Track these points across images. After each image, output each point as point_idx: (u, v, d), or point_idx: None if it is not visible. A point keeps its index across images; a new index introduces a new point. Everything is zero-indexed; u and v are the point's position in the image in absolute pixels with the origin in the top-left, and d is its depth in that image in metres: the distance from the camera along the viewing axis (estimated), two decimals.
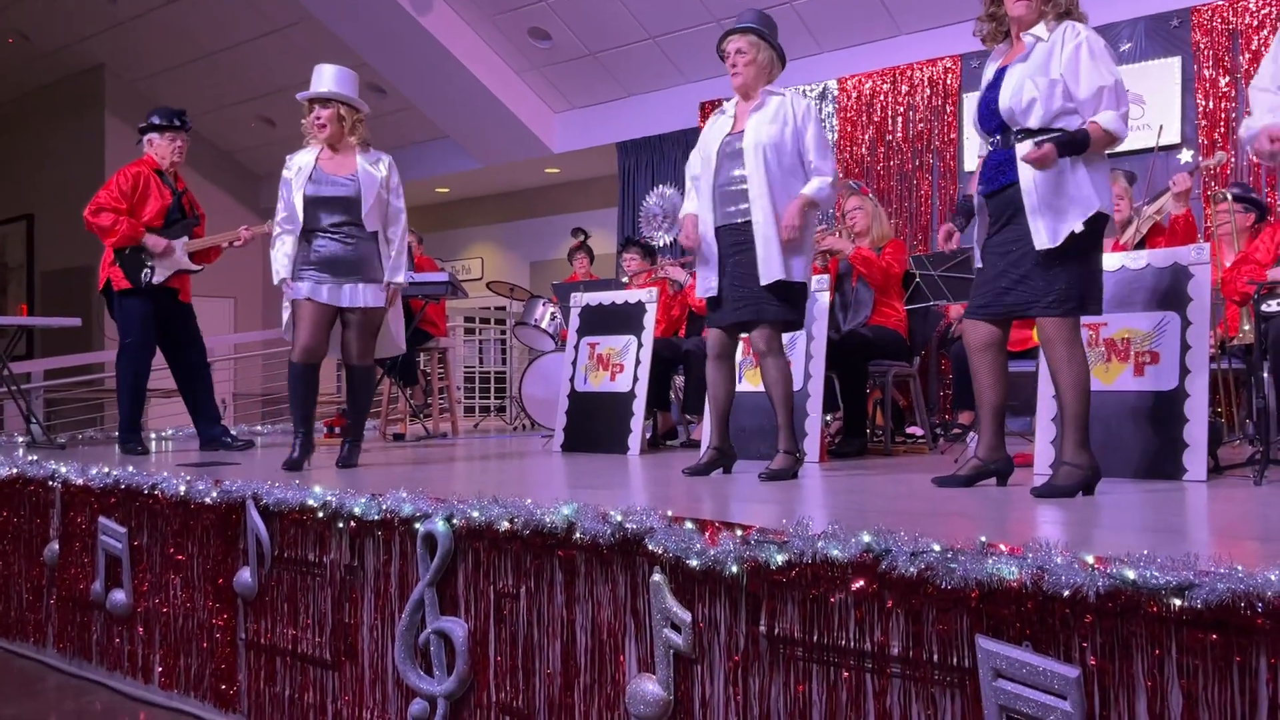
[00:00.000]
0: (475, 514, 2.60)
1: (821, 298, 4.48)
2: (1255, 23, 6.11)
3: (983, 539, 1.88)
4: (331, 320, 4.17)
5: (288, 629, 3.11)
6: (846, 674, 2.00)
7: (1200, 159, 5.94)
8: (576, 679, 2.44)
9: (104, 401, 9.44)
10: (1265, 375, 3.54)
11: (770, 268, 3.53)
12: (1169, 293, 3.46)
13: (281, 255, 4.15)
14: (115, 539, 3.64)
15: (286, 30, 9.78)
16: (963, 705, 1.86)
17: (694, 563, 2.15)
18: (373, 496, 2.86)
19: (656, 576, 2.25)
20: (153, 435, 6.32)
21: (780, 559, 2.04)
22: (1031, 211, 2.93)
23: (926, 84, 7.38)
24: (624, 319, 5.06)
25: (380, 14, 8.61)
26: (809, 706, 2.05)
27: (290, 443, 4.15)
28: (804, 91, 7.69)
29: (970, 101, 7.05)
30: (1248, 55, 6.12)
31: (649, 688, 2.26)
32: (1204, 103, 6.24)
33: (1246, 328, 4.00)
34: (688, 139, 8.88)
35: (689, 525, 2.22)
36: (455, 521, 2.65)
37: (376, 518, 2.81)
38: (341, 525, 2.93)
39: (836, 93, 7.80)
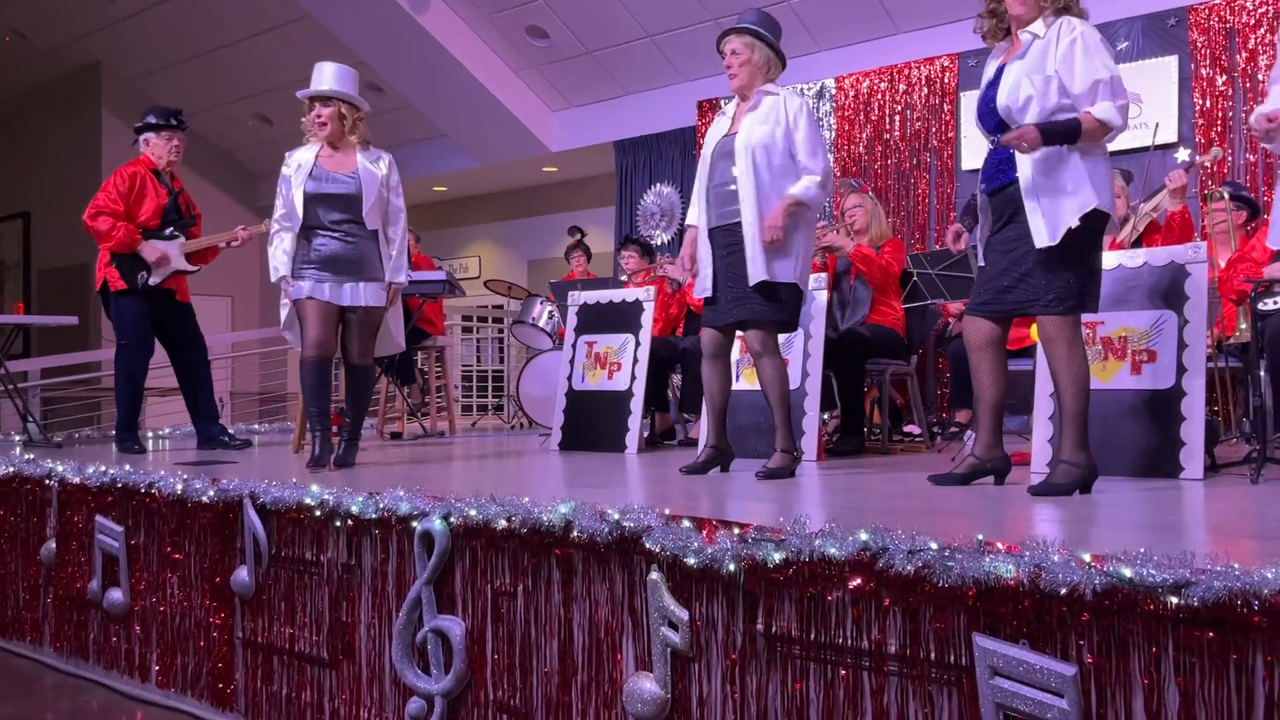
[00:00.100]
0: (473, 512, 2.60)
1: (819, 296, 4.48)
2: (1252, 21, 6.11)
3: (980, 537, 1.88)
4: (337, 316, 4.15)
5: (285, 628, 3.10)
6: (844, 672, 2.00)
7: (1197, 156, 5.95)
8: (574, 677, 2.44)
9: (101, 400, 9.43)
10: (1262, 374, 3.54)
11: (756, 269, 3.52)
12: (1166, 291, 3.46)
13: (280, 253, 4.12)
14: (112, 538, 3.64)
15: (284, 28, 9.77)
16: (960, 703, 1.86)
17: (691, 561, 2.15)
18: (370, 495, 2.86)
19: (654, 575, 2.25)
20: (150, 434, 6.31)
21: (777, 557, 2.04)
22: (1030, 208, 2.93)
23: (924, 83, 7.37)
24: (621, 318, 5.06)
25: (378, 12, 8.60)
26: (806, 705, 2.05)
27: (289, 441, 4.14)
28: (802, 90, 7.68)
29: (967, 100, 7.10)
30: (1245, 54, 6.12)
31: (646, 686, 2.26)
32: (1201, 101, 6.24)
33: (1244, 326, 4.01)
34: (685, 138, 8.89)
35: (686, 524, 2.22)
36: (453, 520, 2.65)
37: (374, 516, 2.81)
38: (339, 524, 2.93)
39: (834, 91, 7.80)
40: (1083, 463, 2.92)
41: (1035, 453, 3.55)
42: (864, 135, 7.64)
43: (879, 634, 1.95)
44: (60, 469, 3.93)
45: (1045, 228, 2.90)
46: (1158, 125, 5.89)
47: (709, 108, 8.37)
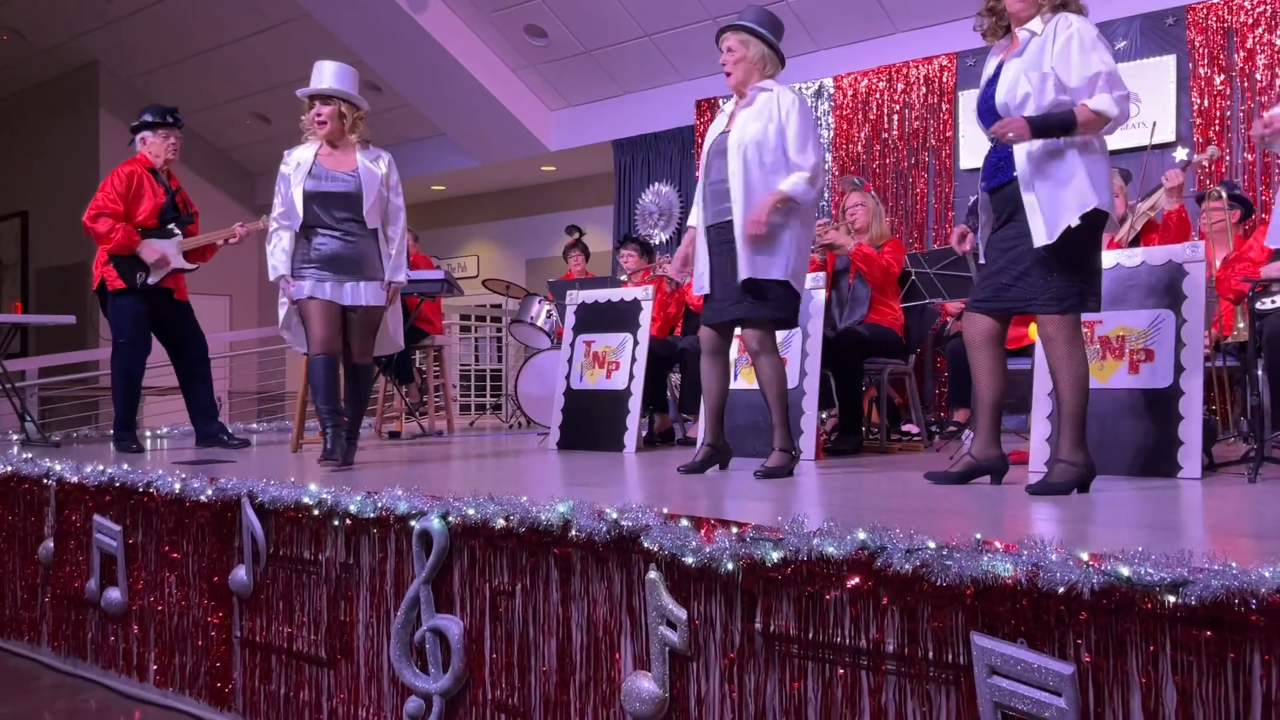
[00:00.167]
0: (471, 512, 2.59)
1: (817, 295, 4.48)
2: (1250, 21, 6.12)
3: (978, 536, 1.88)
4: (340, 314, 4.14)
5: (283, 627, 3.10)
6: (842, 671, 2.00)
7: (1194, 154, 5.96)
8: (572, 676, 2.44)
9: (99, 399, 9.42)
10: (1259, 372, 3.54)
11: (743, 266, 3.52)
12: (1164, 290, 3.46)
13: (279, 251, 4.11)
14: (110, 537, 3.63)
15: (282, 27, 9.77)
16: (958, 702, 1.86)
17: (690, 560, 2.15)
18: (368, 494, 2.85)
19: (652, 574, 2.25)
20: (148, 433, 6.31)
21: (775, 556, 2.04)
22: (1029, 205, 2.93)
23: (922, 82, 7.38)
24: (620, 317, 5.05)
25: (376, 11, 8.60)
26: (804, 704, 2.05)
27: (288, 440, 4.14)
28: (800, 89, 7.68)
29: (966, 99, 7.10)
30: (1243, 53, 6.13)
31: (644, 685, 2.26)
32: (1199, 101, 6.24)
33: (1241, 325, 4.01)
34: (684, 137, 8.89)
35: (685, 523, 2.22)
36: (451, 519, 2.65)
37: (372, 515, 2.81)
38: (337, 523, 2.93)
39: (832, 91, 7.80)
40: (1081, 462, 2.92)
41: (1033, 452, 3.55)
42: (862, 134, 7.64)
43: (877, 633, 1.96)
44: (58, 468, 3.93)
45: (1043, 225, 2.90)
46: (1155, 124, 5.90)
47: (707, 107, 8.37)
